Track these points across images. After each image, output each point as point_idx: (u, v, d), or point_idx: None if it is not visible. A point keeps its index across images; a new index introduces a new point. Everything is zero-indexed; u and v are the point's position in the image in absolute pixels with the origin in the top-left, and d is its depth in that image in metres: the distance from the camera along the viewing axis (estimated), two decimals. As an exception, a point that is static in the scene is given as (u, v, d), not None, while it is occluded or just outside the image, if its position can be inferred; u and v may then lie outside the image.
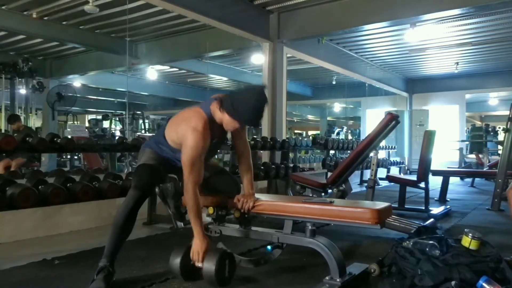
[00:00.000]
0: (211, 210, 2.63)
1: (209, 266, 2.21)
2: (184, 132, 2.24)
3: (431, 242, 2.22)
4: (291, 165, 5.97)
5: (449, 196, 5.92)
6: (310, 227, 2.35)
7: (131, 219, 2.33)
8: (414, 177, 4.88)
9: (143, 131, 12.74)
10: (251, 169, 2.54)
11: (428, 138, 4.70)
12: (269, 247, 2.47)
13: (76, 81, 11.05)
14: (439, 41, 8.14)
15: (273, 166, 5.47)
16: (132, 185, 2.37)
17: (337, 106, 16.12)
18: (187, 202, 2.26)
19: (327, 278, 2.25)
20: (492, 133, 13.73)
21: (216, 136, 2.37)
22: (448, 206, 5.14)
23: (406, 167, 11.60)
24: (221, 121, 2.30)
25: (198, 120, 2.23)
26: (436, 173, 5.82)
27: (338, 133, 15.51)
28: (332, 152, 8.17)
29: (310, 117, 19.75)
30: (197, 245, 2.19)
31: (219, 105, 2.25)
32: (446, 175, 5.84)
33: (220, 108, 2.25)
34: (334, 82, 11.53)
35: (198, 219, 2.23)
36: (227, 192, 2.54)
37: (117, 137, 6.32)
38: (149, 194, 2.47)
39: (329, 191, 3.99)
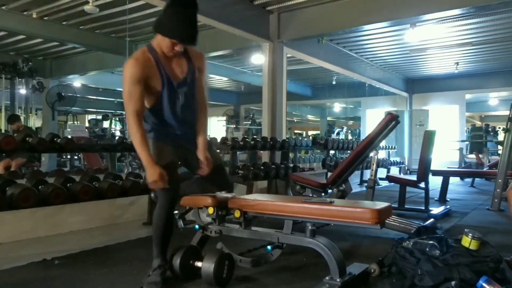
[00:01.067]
0: (211, 210, 2.63)
1: (208, 266, 2.22)
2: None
3: (431, 242, 2.23)
4: (291, 165, 5.96)
5: (449, 196, 5.92)
6: (310, 227, 2.35)
7: (171, 218, 2.34)
8: (414, 177, 4.88)
9: (143, 131, 12.70)
10: (205, 126, 2.40)
11: (428, 138, 4.70)
12: (269, 247, 2.47)
13: (76, 81, 11.06)
14: (439, 41, 8.15)
15: (273, 166, 5.47)
16: (161, 191, 2.28)
17: (337, 106, 16.12)
18: (130, 133, 2.11)
19: (327, 278, 2.25)
20: (492, 133, 13.72)
21: (170, 70, 2.18)
22: (448, 206, 5.13)
23: (406, 167, 11.60)
24: (160, 50, 2.14)
25: (132, 56, 2.15)
26: (436, 173, 5.82)
27: (338, 133, 15.51)
28: (332, 152, 8.17)
29: (310, 117, 19.75)
30: (150, 174, 2.09)
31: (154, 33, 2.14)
32: (446, 175, 5.84)
33: (155, 34, 2.13)
34: (334, 82, 11.53)
35: (144, 147, 2.09)
36: (217, 189, 2.55)
37: (117, 137, 6.32)
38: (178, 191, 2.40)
39: (329, 191, 3.99)
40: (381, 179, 6.41)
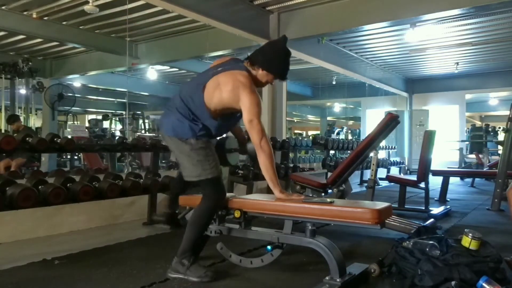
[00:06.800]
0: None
1: None
2: (237, 92, 2.28)
3: (431, 242, 2.23)
4: (291, 165, 5.96)
5: (449, 196, 5.92)
6: (310, 227, 2.35)
7: (211, 221, 2.54)
8: (414, 177, 4.88)
9: (143, 131, 12.74)
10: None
11: (428, 138, 4.70)
12: (269, 247, 2.47)
13: (76, 81, 11.06)
14: (439, 41, 8.14)
15: (273, 166, 5.45)
16: (212, 197, 2.43)
17: (337, 106, 16.11)
18: (266, 164, 2.31)
19: (327, 278, 2.25)
20: (492, 133, 13.73)
21: None
22: (448, 206, 5.13)
23: (406, 167, 11.60)
24: (255, 77, 2.40)
25: (247, 79, 2.32)
26: (436, 173, 5.82)
27: (338, 133, 15.51)
28: (332, 152, 8.18)
29: (310, 117, 19.75)
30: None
31: (250, 63, 2.39)
32: (446, 175, 5.84)
33: (252, 65, 2.38)
34: (334, 82, 11.52)
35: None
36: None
37: (117, 137, 6.32)
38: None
39: (329, 191, 3.99)
40: (381, 179, 6.41)
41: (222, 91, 2.30)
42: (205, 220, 2.44)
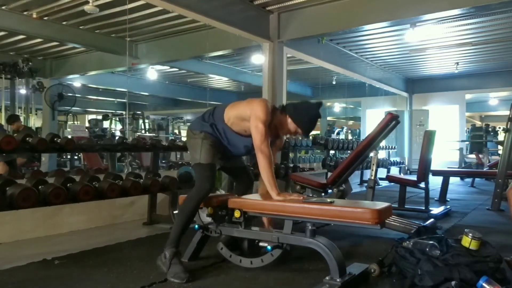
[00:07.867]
0: (211, 210, 2.64)
1: None
2: (251, 106, 2.53)
3: (431, 242, 2.23)
4: (291, 165, 5.96)
5: (449, 196, 5.92)
6: (310, 227, 2.35)
7: (197, 209, 2.60)
8: (414, 177, 4.88)
9: (143, 131, 12.75)
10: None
11: (428, 138, 4.70)
12: (269, 247, 2.47)
13: (76, 81, 11.05)
14: (439, 41, 8.14)
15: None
16: (198, 185, 2.57)
17: (337, 106, 16.10)
18: (265, 166, 2.45)
19: (327, 278, 2.25)
20: (492, 133, 13.73)
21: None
22: (448, 206, 5.14)
23: (406, 167, 11.59)
24: (277, 122, 2.61)
25: (265, 100, 2.60)
26: (436, 173, 5.82)
27: (338, 133, 15.50)
28: (332, 152, 8.17)
29: (310, 117, 19.70)
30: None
31: (281, 109, 2.64)
32: (446, 175, 5.84)
33: (282, 112, 2.62)
34: (334, 82, 11.52)
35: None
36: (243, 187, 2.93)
37: (117, 137, 6.31)
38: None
39: (329, 191, 3.99)
40: (381, 179, 6.41)
41: (241, 104, 2.64)
42: (192, 204, 2.53)
